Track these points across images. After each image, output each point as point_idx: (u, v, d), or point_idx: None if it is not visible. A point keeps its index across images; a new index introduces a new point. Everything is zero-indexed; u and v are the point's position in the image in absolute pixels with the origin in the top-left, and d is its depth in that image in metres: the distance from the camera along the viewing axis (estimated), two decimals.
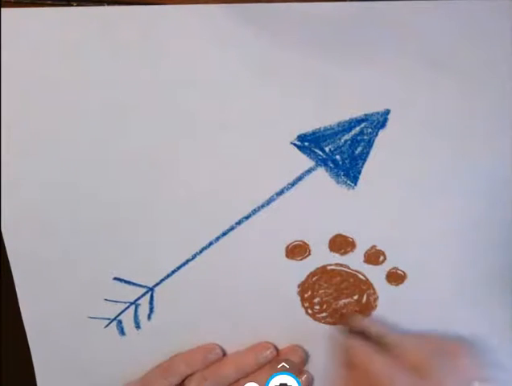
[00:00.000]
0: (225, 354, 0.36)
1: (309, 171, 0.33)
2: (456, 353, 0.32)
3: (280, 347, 0.36)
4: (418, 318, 0.35)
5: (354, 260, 0.35)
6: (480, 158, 0.33)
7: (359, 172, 0.33)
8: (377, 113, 0.32)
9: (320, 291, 0.35)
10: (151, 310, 0.36)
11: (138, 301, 0.35)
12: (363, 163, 0.33)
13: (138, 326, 0.36)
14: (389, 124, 0.32)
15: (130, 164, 0.33)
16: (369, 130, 0.32)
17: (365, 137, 0.32)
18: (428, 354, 0.31)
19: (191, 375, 0.35)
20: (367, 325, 0.34)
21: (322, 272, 0.35)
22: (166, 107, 0.32)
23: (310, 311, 0.36)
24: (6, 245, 0.34)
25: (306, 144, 0.32)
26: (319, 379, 0.36)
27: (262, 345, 0.36)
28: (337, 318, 0.36)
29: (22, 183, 0.33)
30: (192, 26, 0.30)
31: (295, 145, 0.32)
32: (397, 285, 0.35)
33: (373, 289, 0.35)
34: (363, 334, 0.34)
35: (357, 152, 0.32)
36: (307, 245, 0.34)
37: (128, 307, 0.36)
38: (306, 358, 0.36)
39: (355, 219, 0.34)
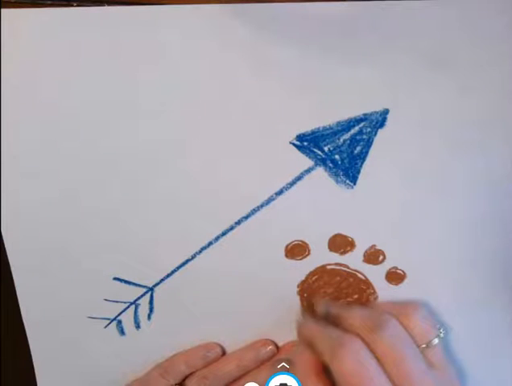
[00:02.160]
0: (224, 353, 0.36)
1: (308, 171, 0.33)
2: (408, 313, 0.32)
3: None
4: None
5: (354, 260, 0.35)
6: (479, 157, 0.33)
7: (358, 172, 0.33)
8: (376, 113, 0.32)
9: (320, 291, 0.35)
10: (151, 310, 0.36)
11: (138, 301, 0.35)
12: (362, 163, 0.33)
13: (138, 326, 0.36)
14: (388, 123, 0.32)
15: (130, 163, 0.33)
16: (368, 130, 0.32)
17: (364, 137, 0.32)
18: (375, 316, 0.31)
19: (191, 374, 0.35)
20: (327, 307, 0.34)
21: (322, 271, 0.35)
22: (165, 107, 0.32)
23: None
24: (5, 245, 0.34)
25: (305, 143, 0.32)
26: None
27: (262, 342, 0.36)
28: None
29: (22, 183, 0.33)
30: (192, 26, 0.30)
31: (294, 144, 0.32)
32: (396, 284, 0.35)
33: (373, 288, 0.35)
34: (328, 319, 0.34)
35: (356, 151, 0.32)
36: (307, 245, 0.34)
37: (128, 307, 0.36)
38: None
39: (354, 219, 0.34)
